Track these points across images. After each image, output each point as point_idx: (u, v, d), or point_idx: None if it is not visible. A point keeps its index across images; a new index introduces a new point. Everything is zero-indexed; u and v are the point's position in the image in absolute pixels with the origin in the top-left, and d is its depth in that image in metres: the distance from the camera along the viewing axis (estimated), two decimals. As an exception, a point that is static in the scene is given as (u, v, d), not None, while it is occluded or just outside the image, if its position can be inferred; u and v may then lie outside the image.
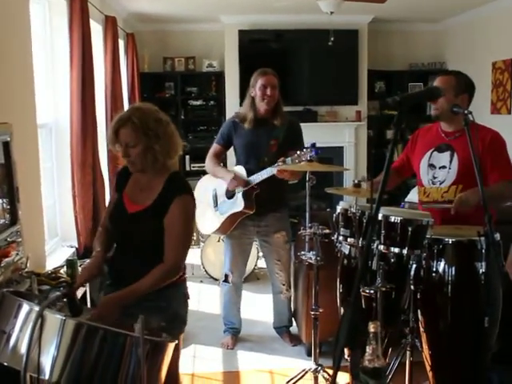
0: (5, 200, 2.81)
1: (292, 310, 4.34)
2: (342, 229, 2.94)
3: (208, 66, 7.97)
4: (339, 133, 7.81)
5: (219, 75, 7.97)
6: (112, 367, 1.90)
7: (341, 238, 2.97)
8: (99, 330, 1.91)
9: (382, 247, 2.75)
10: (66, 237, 4.67)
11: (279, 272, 4.14)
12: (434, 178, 3.26)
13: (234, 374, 3.84)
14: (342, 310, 3.20)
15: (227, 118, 7.75)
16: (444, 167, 3.21)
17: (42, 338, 1.82)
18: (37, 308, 1.89)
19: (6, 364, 1.89)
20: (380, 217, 2.74)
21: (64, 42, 4.45)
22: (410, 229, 2.68)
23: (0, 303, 2.02)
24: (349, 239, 2.93)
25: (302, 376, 3.43)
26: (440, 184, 3.21)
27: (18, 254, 2.81)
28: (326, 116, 7.87)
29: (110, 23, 5.66)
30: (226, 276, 4.18)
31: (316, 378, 3.36)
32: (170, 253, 2.39)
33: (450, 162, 3.20)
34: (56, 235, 4.62)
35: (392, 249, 2.73)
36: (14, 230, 2.84)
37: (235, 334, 4.31)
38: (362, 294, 2.80)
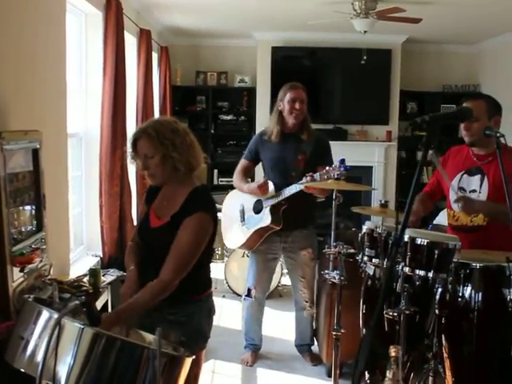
0: (32, 207, 2.83)
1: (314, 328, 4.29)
2: (367, 249, 2.90)
3: (240, 81, 8.02)
4: (369, 152, 7.77)
5: (251, 91, 8.00)
6: (128, 379, 1.88)
7: (366, 258, 2.92)
8: (117, 341, 1.89)
9: (407, 269, 2.69)
10: (92, 246, 4.70)
11: (303, 289, 4.09)
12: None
13: (253, 391, 3.81)
14: (363, 332, 3.16)
15: (257, 133, 7.78)
16: (474, 191, 3.15)
17: (60, 346, 1.81)
18: (56, 315, 1.89)
19: (22, 370, 1.89)
20: (406, 238, 2.69)
21: (98, 53, 4.51)
22: (436, 252, 2.62)
23: (21, 309, 2.03)
24: (373, 260, 2.88)
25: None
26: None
27: (41, 260, 2.81)
28: (357, 135, 7.84)
29: (144, 36, 5.73)
30: (249, 290, 4.15)
31: (335, 401, 3.31)
32: (167, 269, 2.36)
33: (481, 186, 3.14)
34: (81, 244, 4.65)
35: (417, 271, 2.67)
36: (39, 237, 2.85)
37: (255, 351, 4.27)
38: (386, 316, 2.75)
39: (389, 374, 1.76)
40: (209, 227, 2.45)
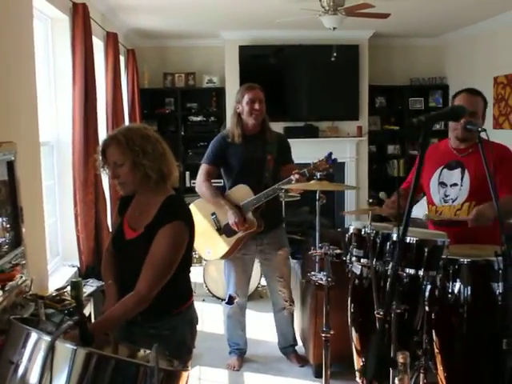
0: (8, 220, 2.74)
1: (297, 329, 4.25)
2: (355, 249, 2.88)
3: (208, 81, 7.95)
4: (341, 148, 7.74)
5: (219, 91, 7.94)
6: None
7: (354, 258, 2.90)
8: (111, 360, 1.83)
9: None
10: (68, 256, 4.60)
11: (282, 289, 4.05)
12: (446, 196, 3.21)
13: (242, 397, 3.77)
14: (352, 332, 3.15)
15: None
16: (455, 185, 3.15)
17: (53, 369, 1.74)
18: (46, 337, 1.81)
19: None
20: (395, 237, 2.69)
21: (66, 58, 4.40)
22: (426, 249, 2.61)
23: (7, 331, 1.95)
24: (362, 260, 2.86)
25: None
26: (452, 202, 3.15)
27: (22, 276, 2.72)
28: (327, 131, 7.84)
29: (111, 39, 5.62)
30: (231, 298, 4.08)
31: (327, 402, 3.28)
32: (143, 282, 2.27)
33: (462, 179, 3.14)
34: (57, 254, 4.54)
35: (407, 270, 2.66)
36: (18, 252, 2.77)
37: (241, 355, 4.22)
38: (376, 316, 2.74)
39: (397, 381, 1.73)
40: (184, 236, 2.36)
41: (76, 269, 4.37)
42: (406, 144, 8.32)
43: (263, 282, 5.61)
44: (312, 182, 3.28)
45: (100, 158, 2.40)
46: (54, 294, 3.10)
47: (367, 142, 8.01)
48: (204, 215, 4.04)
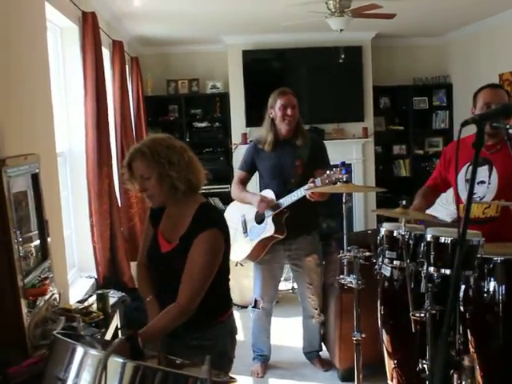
0: (36, 234, 2.70)
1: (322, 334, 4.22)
2: (387, 251, 2.85)
3: (212, 87, 7.92)
4: (347, 150, 7.75)
5: (223, 96, 7.92)
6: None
7: (386, 260, 2.87)
8: (160, 372, 1.79)
9: (431, 269, 2.65)
10: (84, 267, 4.55)
11: (311, 296, 4.03)
12: (473, 193, 3.17)
13: (269, 403, 3.73)
14: (382, 333, 3.12)
15: (233, 139, 7.71)
16: (483, 182, 3.12)
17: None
18: (93, 352, 1.78)
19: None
20: (429, 238, 2.66)
21: (76, 68, 4.36)
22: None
23: (51, 347, 1.91)
24: (395, 262, 2.83)
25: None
26: (480, 200, 3.12)
27: (51, 290, 2.68)
28: (333, 133, 7.82)
29: (117, 47, 5.59)
30: (256, 302, 4.06)
31: (360, 405, 3.24)
32: (183, 293, 2.26)
33: (489, 176, 3.11)
34: (73, 266, 4.50)
35: (443, 270, 2.63)
36: (46, 266, 2.72)
37: (265, 362, 4.19)
38: (412, 318, 2.71)
39: (465, 385, 1.69)
40: (220, 243, 2.34)
41: (94, 280, 4.32)
42: (412, 144, 8.31)
43: (280, 286, 5.60)
44: (338, 184, 3.25)
45: (126, 171, 2.37)
46: (81, 307, 3.05)
47: (373, 142, 7.99)
48: (234, 216, 4.11)
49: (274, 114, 3.90)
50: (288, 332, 4.74)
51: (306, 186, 3.58)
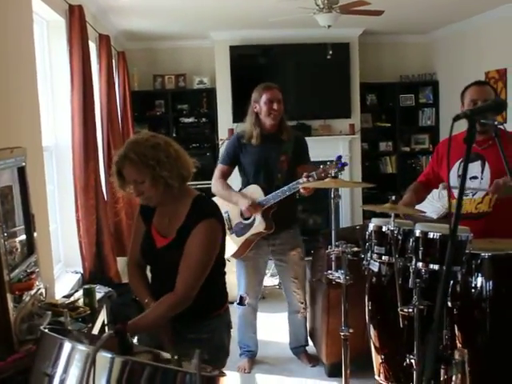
0: (22, 228, 2.66)
1: (308, 329, 4.22)
2: (375, 246, 2.85)
3: (199, 82, 7.90)
4: (333, 146, 7.73)
5: (210, 92, 7.89)
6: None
7: (375, 255, 2.87)
8: (149, 367, 1.78)
9: (420, 264, 2.65)
10: (69, 262, 4.52)
11: (296, 290, 4.02)
12: (466, 189, 3.18)
13: (256, 399, 3.72)
14: (370, 329, 3.12)
15: (220, 134, 7.68)
16: (475, 177, 3.13)
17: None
18: (81, 347, 1.76)
19: (49, 408, 1.75)
20: (418, 233, 2.66)
21: (63, 61, 4.32)
22: (450, 245, 2.58)
23: (38, 342, 1.89)
24: (383, 257, 2.83)
25: (334, 399, 3.32)
26: (473, 195, 3.14)
27: (37, 285, 2.66)
28: (320, 130, 7.82)
29: (104, 41, 5.55)
30: (242, 298, 4.04)
31: (347, 401, 3.25)
32: (180, 283, 2.24)
33: (482, 172, 3.12)
34: (59, 261, 4.46)
35: (431, 266, 2.64)
36: (32, 261, 2.69)
37: (252, 357, 4.18)
38: (400, 313, 2.72)
39: (455, 379, 1.69)
40: (218, 233, 2.33)
41: (79, 275, 4.29)
42: (398, 141, 8.34)
43: (265, 282, 5.60)
44: (327, 180, 3.25)
45: (116, 179, 2.34)
46: (67, 302, 3.02)
47: (360, 139, 8.00)
48: None
49: (258, 109, 3.86)
50: (275, 327, 4.74)
51: (300, 180, 3.55)
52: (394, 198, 2.75)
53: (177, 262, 2.27)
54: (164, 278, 2.35)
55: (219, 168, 4.05)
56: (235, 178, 4.24)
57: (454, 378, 1.74)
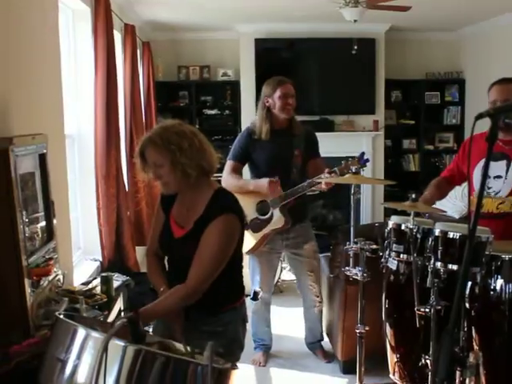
0: (42, 215, 2.68)
1: (323, 324, 4.20)
2: (394, 244, 2.82)
3: (223, 74, 7.88)
4: (356, 142, 7.68)
5: (234, 84, 7.87)
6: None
7: (393, 253, 2.84)
8: (161, 357, 1.77)
9: (439, 264, 2.62)
10: (89, 250, 4.55)
11: (312, 284, 4.00)
12: (489, 188, 3.14)
13: (270, 393, 3.72)
14: (386, 327, 3.10)
15: (243, 127, 7.65)
16: (499, 177, 3.08)
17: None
18: (95, 334, 1.77)
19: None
20: (437, 232, 2.63)
21: (87, 50, 4.35)
22: (470, 245, 2.54)
23: (53, 328, 1.90)
24: (401, 255, 2.80)
25: (347, 396, 3.30)
26: (495, 194, 3.09)
27: (55, 271, 2.68)
28: (343, 125, 7.77)
29: (129, 31, 5.56)
30: (256, 293, 4.03)
31: (361, 399, 3.23)
32: (193, 276, 2.24)
33: (507, 171, 3.07)
34: (79, 248, 4.49)
35: (450, 266, 2.60)
36: (51, 247, 2.71)
37: (266, 351, 4.18)
38: (417, 312, 2.69)
39: (469, 382, 1.67)
40: (236, 229, 2.32)
41: (98, 263, 4.32)
42: (422, 139, 8.26)
43: (283, 276, 5.59)
44: (347, 175, 3.22)
45: (139, 160, 2.35)
46: (85, 289, 3.05)
47: (383, 136, 7.93)
48: None
49: (271, 103, 3.81)
50: (291, 322, 4.73)
51: (323, 176, 3.52)
52: (414, 196, 2.72)
53: (192, 253, 2.27)
54: (180, 268, 2.34)
55: (230, 164, 3.94)
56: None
57: (467, 380, 1.70)
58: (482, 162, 3.13)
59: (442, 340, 1.35)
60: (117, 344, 1.74)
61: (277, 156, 3.85)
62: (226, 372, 1.90)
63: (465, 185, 3.41)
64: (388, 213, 7.98)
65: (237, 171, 3.96)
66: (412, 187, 7.60)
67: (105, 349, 1.62)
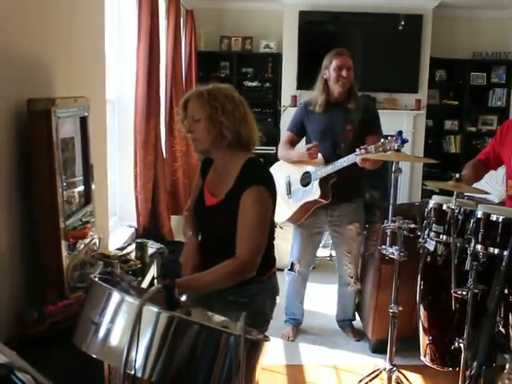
0: (81, 178, 2.70)
1: (356, 304, 4.18)
2: (434, 225, 2.76)
3: (265, 46, 7.79)
4: (397, 121, 7.54)
5: (276, 57, 7.78)
6: (205, 365, 1.76)
7: (432, 234, 2.78)
8: (194, 325, 1.77)
9: (479, 247, 2.56)
10: (124, 216, 4.58)
11: (348, 264, 3.97)
12: None
13: (298, 367, 3.71)
14: (420, 309, 3.06)
15: (283, 101, 7.60)
16: None
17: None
18: (129, 299, 1.77)
19: (94, 356, 1.77)
20: (480, 215, 2.56)
21: (132, 16, 4.32)
22: (513, 229, 2.48)
23: (88, 290, 1.91)
24: (441, 236, 2.74)
25: (377, 375, 3.28)
26: None
27: (91, 235, 2.69)
28: (385, 103, 7.64)
29: (173, -1, 5.51)
30: (293, 265, 4.04)
31: (390, 379, 3.20)
32: (242, 246, 2.20)
33: None
34: (114, 214, 4.53)
35: (491, 249, 2.54)
36: (88, 210, 2.73)
37: (296, 326, 4.18)
38: (453, 295, 2.64)
39: (509, 366, 1.63)
40: (267, 200, 2.27)
41: (133, 229, 4.35)
42: (465, 120, 8.08)
43: (318, 252, 5.55)
44: (389, 152, 3.16)
45: (181, 111, 2.34)
46: (120, 254, 3.06)
47: (425, 115, 7.78)
48: (279, 176, 3.96)
49: (327, 75, 3.79)
50: (322, 298, 4.72)
51: (357, 152, 3.47)
52: (457, 175, 2.65)
53: (221, 223, 2.27)
54: (209, 235, 2.36)
55: (286, 135, 4.07)
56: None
57: (507, 366, 1.66)
58: None
59: (482, 324, 1.31)
60: (151, 310, 1.74)
61: (327, 129, 3.83)
62: (258, 343, 1.89)
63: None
64: (425, 194, 7.90)
65: (292, 142, 4.02)
66: (452, 169, 7.45)
67: (139, 314, 1.62)
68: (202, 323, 1.81)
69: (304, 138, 4.05)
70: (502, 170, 3.43)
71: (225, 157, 2.35)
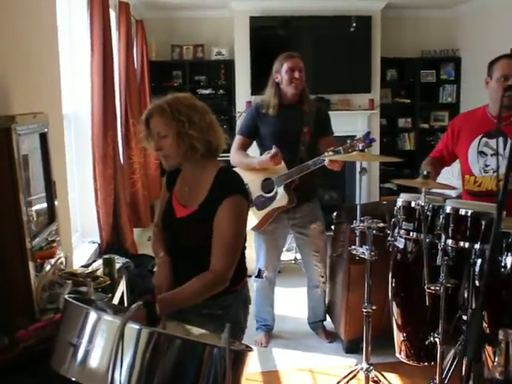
0: (43, 196, 2.62)
1: (326, 304, 4.18)
2: (404, 222, 2.78)
3: (217, 53, 7.78)
4: (352, 121, 7.63)
5: (228, 63, 7.77)
6: (190, 379, 1.72)
7: (402, 232, 2.80)
8: (177, 340, 1.73)
9: (450, 242, 2.59)
10: (86, 232, 4.49)
11: (318, 264, 3.98)
12: (486, 166, 3.11)
13: (274, 373, 3.69)
14: (393, 306, 3.08)
15: (237, 107, 7.58)
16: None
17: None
18: (107, 317, 1.72)
19: (74, 379, 1.71)
20: (448, 210, 2.59)
21: (83, 28, 4.25)
22: (482, 222, 2.51)
23: (63, 311, 1.85)
24: (411, 233, 2.76)
25: (354, 376, 3.28)
26: (493, 172, 3.05)
27: (58, 254, 2.62)
28: (339, 104, 7.71)
29: (123, 9, 5.45)
30: (260, 271, 4.01)
31: (367, 378, 3.20)
32: (217, 260, 2.16)
33: (504, 148, 3.04)
34: (76, 230, 4.43)
35: (462, 244, 2.57)
36: (53, 229, 2.65)
37: (268, 331, 4.16)
38: (427, 291, 2.66)
39: (498, 359, 1.64)
40: (245, 209, 2.26)
41: (97, 245, 4.27)
42: (417, 117, 8.22)
43: (282, 256, 5.55)
44: (354, 153, 3.18)
45: (144, 128, 2.28)
46: (88, 272, 2.99)
47: (379, 114, 7.88)
48: None
49: (279, 79, 3.77)
50: (291, 302, 4.71)
51: (325, 154, 3.48)
52: (425, 172, 2.66)
53: (195, 234, 2.22)
54: (178, 245, 2.30)
55: (238, 139, 3.95)
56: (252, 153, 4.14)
57: (497, 358, 1.68)
58: (476, 141, 3.10)
59: (470, 320, 1.31)
60: (131, 327, 1.69)
61: (284, 131, 3.79)
62: (242, 354, 1.86)
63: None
64: (383, 192, 8.00)
65: (244, 146, 3.94)
66: (408, 166, 7.60)
67: (121, 333, 1.57)
68: (184, 337, 1.78)
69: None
70: (456, 165, 3.49)
71: (196, 167, 2.30)
